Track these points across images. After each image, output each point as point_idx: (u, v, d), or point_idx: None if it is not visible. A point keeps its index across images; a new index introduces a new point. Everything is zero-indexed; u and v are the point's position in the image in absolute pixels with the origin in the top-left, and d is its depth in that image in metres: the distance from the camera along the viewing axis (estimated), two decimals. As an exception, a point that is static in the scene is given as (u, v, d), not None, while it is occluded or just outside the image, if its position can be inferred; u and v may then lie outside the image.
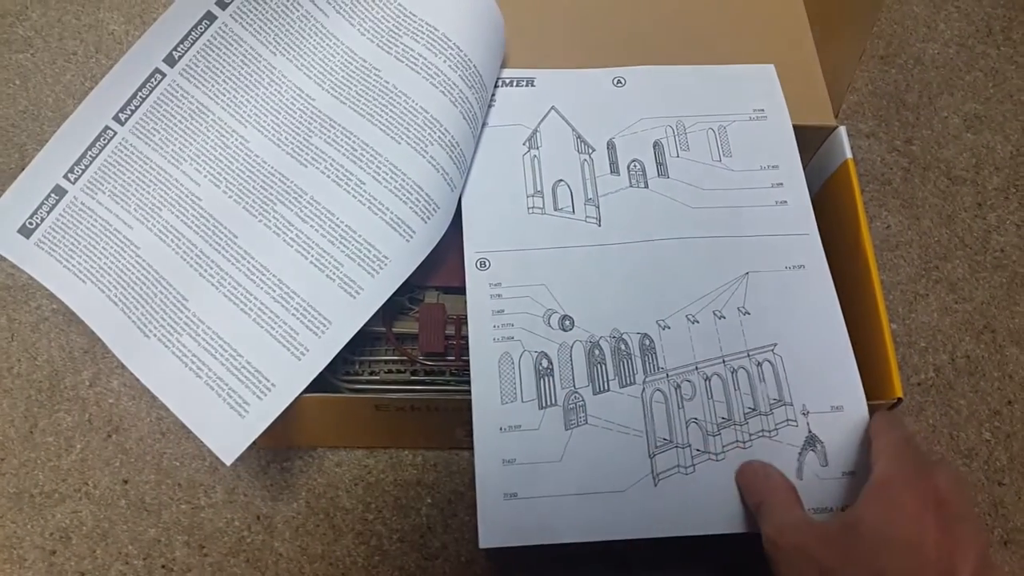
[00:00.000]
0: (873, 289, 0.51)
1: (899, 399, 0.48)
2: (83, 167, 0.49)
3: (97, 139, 0.49)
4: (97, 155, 0.49)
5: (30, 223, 0.49)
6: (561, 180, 0.54)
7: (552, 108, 0.57)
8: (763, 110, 0.57)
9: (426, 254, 0.50)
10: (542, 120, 0.56)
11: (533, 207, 0.53)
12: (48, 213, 0.49)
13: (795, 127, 0.56)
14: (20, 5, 0.76)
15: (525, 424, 0.47)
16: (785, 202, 0.54)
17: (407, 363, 0.54)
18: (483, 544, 0.44)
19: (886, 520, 0.38)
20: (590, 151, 0.55)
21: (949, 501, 0.38)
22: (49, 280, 0.48)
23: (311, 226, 0.49)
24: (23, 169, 0.62)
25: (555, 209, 0.53)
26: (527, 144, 0.55)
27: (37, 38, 0.74)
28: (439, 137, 0.51)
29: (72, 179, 0.49)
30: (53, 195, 0.49)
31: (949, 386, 0.64)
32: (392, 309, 0.54)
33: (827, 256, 0.52)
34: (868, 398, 0.48)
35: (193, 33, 0.50)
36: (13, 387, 0.60)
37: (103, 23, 0.75)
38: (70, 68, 0.73)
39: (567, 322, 0.50)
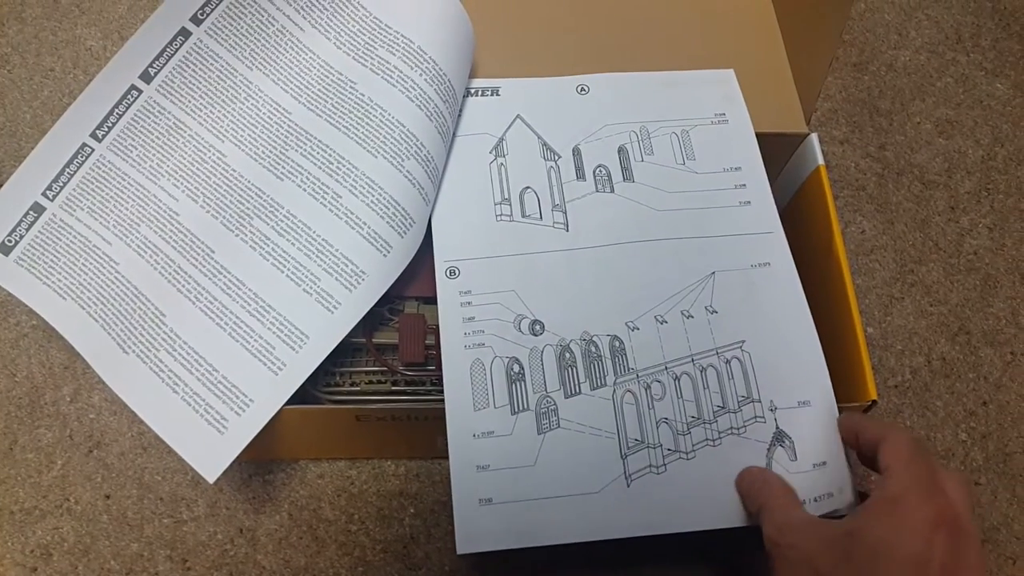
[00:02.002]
0: (846, 293, 0.52)
1: (873, 401, 0.49)
2: (61, 184, 0.49)
3: (74, 156, 0.50)
4: (75, 172, 0.49)
5: (9, 241, 0.49)
6: (528, 187, 0.55)
7: (517, 116, 0.57)
8: (724, 114, 0.58)
9: (402, 269, 0.50)
10: (507, 128, 0.57)
11: (501, 215, 0.54)
12: (27, 230, 0.49)
13: (767, 135, 0.57)
14: (-3, 22, 0.76)
15: (498, 430, 0.47)
16: (749, 203, 0.55)
17: (388, 373, 0.54)
18: (460, 550, 0.45)
19: (894, 534, 0.38)
20: (556, 158, 0.56)
21: (960, 519, 0.38)
22: (29, 297, 0.48)
23: (287, 240, 0.49)
24: (1, 185, 0.62)
25: (523, 216, 0.54)
26: (493, 152, 0.56)
27: (14, 54, 0.74)
28: (415, 151, 0.51)
29: (50, 196, 0.49)
30: (32, 212, 0.49)
31: (925, 388, 0.64)
32: (372, 320, 0.54)
33: (801, 261, 0.52)
34: (843, 400, 0.48)
35: (168, 49, 0.51)
36: (-7, 404, 0.60)
37: (80, 39, 0.76)
38: (47, 84, 0.73)
39: (537, 327, 0.50)
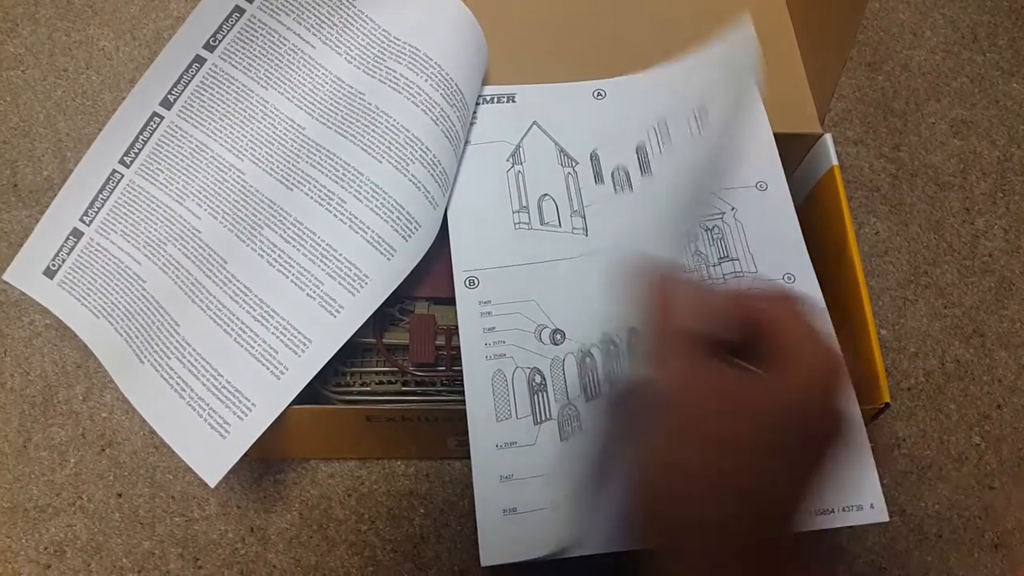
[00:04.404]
0: (860, 294, 0.52)
1: (886, 404, 0.48)
2: (96, 209, 0.52)
3: (107, 182, 0.52)
4: (108, 197, 0.52)
5: (53, 265, 0.51)
6: (546, 195, 0.54)
7: (534, 123, 0.57)
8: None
9: (407, 272, 0.50)
10: (524, 136, 0.57)
11: (519, 223, 0.54)
12: (68, 255, 0.51)
13: (781, 135, 0.57)
14: (10, 22, 0.76)
15: (521, 440, 0.47)
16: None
17: (398, 374, 0.54)
18: (485, 563, 0.44)
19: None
20: (573, 164, 0.56)
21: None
22: (69, 318, 0.50)
23: (293, 246, 0.49)
24: (14, 186, 0.62)
25: (541, 224, 0.54)
26: (510, 160, 0.56)
27: (28, 55, 0.75)
28: (420, 155, 0.51)
29: (87, 221, 0.51)
30: (71, 237, 0.51)
31: (939, 391, 0.64)
32: (382, 320, 0.54)
33: (815, 263, 0.52)
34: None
35: (185, 76, 0.52)
36: (6, 402, 0.61)
37: (93, 39, 0.76)
38: (61, 85, 0.74)
39: (558, 336, 0.50)
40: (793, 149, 0.58)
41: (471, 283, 0.51)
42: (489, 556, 0.44)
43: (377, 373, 0.54)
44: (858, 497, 0.46)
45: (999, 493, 0.60)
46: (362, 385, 0.54)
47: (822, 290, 0.51)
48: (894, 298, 0.67)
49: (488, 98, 0.58)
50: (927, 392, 0.64)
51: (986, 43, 0.80)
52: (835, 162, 0.56)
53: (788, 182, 0.58)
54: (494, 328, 0.50)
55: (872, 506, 0.45)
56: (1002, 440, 0.62)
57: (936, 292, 0.68)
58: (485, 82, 0.58)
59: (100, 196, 0.52)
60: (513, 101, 0.58)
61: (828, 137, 0.57)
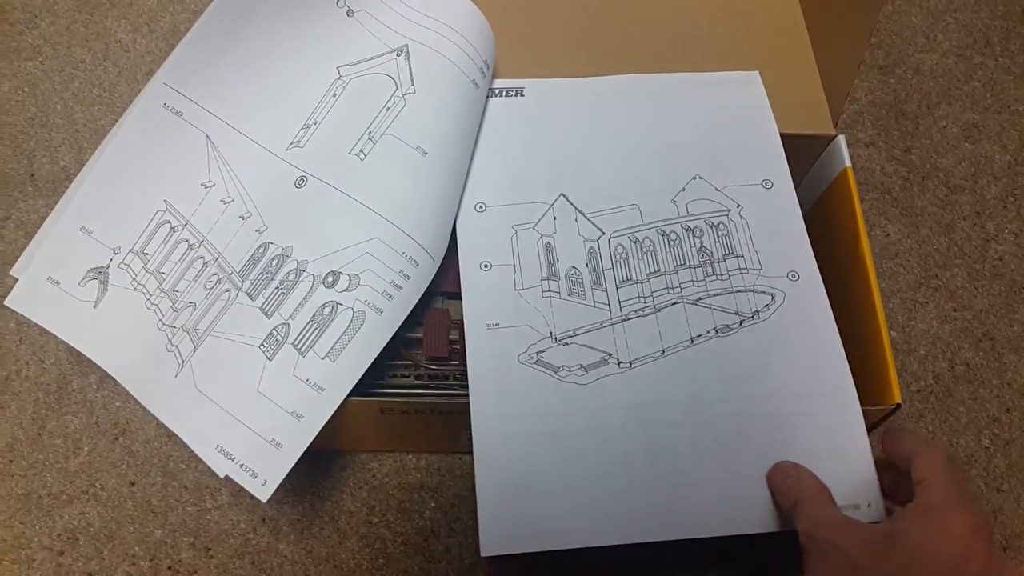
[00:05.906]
0: (872, 296, 0.52)
1: (897, 405, 0.48)
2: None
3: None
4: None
5: None
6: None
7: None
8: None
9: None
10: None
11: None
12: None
13: (794, 136, 0.57)
14: (29, 14, 0.77)
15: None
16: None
17: (412, 367, 0.54)
18: (484, 552, 0.44)
19: (933, 539, 0.38)
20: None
21: (992, 532, 0.39)
22: None
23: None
24: (31, 175, 0.62)
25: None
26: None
27: (46, 46, 0.75)
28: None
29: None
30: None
31: (948, 393, 0.64)
32: (397, 314, 0.54)
33: (826, 264, 0.52)
34: (867, 404, 0.48)
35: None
36: (21, 390, 0.61)
37: (110, 31, 0.76)
38: (78, 76, 0.74)
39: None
40: (806, 150, 0.58)
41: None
42: (489, 547, 0.44)
43: (391, 366, 0.55)
44: (855, 496, 0.46)
45: (1008, 496, 0.60)
46: (376, 378, 0.54)
47: (835, 291, 0.51)
48: (904, 300, 0.67)
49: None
50: (936, 395, 0.64)
51: (998, 48, 0.80)
52: (848, 164, 0.57)
53: (801, 183, 0.58)
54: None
55: (869, 505, 0.46)
56: (1011, 443, 0.62)
57: (946, 295, 0.68)
58: (495, 75, 0.58)
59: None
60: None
61: (841, 139, 0.57)
